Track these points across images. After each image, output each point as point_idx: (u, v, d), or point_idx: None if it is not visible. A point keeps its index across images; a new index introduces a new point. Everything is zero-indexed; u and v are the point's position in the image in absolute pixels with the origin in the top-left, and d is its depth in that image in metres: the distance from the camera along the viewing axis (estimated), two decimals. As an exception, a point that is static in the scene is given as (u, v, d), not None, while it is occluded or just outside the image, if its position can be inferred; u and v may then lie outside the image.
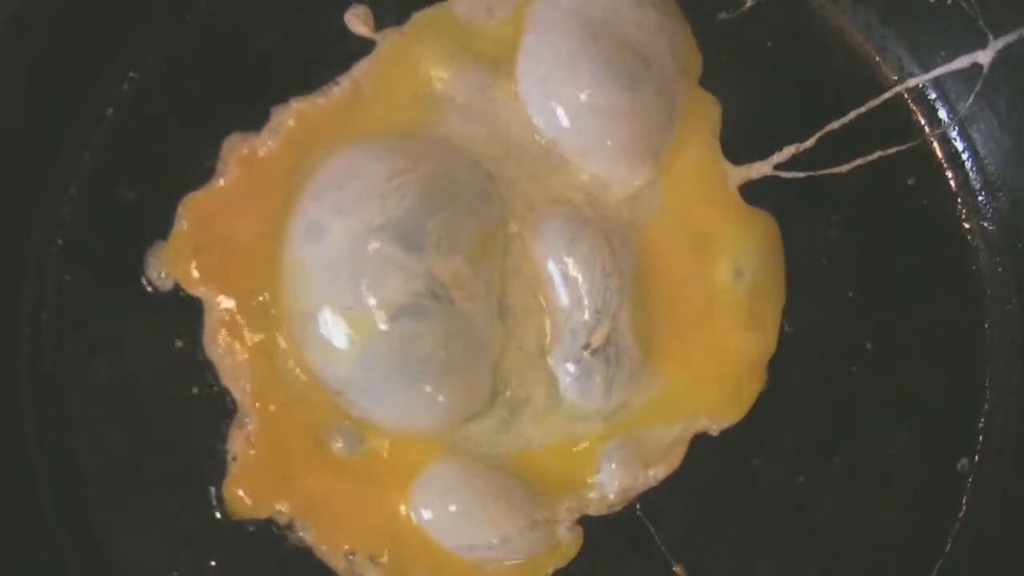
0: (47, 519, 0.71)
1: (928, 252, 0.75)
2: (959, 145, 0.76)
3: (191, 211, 0.72)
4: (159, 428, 0.71)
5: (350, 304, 0.66)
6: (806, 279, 0.74)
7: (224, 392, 0.71)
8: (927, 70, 0.76)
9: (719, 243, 0.72)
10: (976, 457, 0.74)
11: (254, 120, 0.72)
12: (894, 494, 0.73)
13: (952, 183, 0.76)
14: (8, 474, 0.71)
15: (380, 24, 0.74)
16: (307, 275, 0.68)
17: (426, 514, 0.69)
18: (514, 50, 0.73)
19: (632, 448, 0.71)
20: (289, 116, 0.72)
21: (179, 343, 0.72)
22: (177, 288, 0.71)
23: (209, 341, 0.71)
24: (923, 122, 0.76)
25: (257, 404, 0.71)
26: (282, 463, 0.70)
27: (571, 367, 0.70)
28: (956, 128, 0.76)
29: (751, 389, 0.72)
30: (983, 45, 0.73)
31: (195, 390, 0.71)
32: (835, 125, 0.75)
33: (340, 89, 0.73)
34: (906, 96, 0.76)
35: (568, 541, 0.71)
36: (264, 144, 0.72)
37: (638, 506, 0.72)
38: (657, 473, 0.72)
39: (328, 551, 0.70)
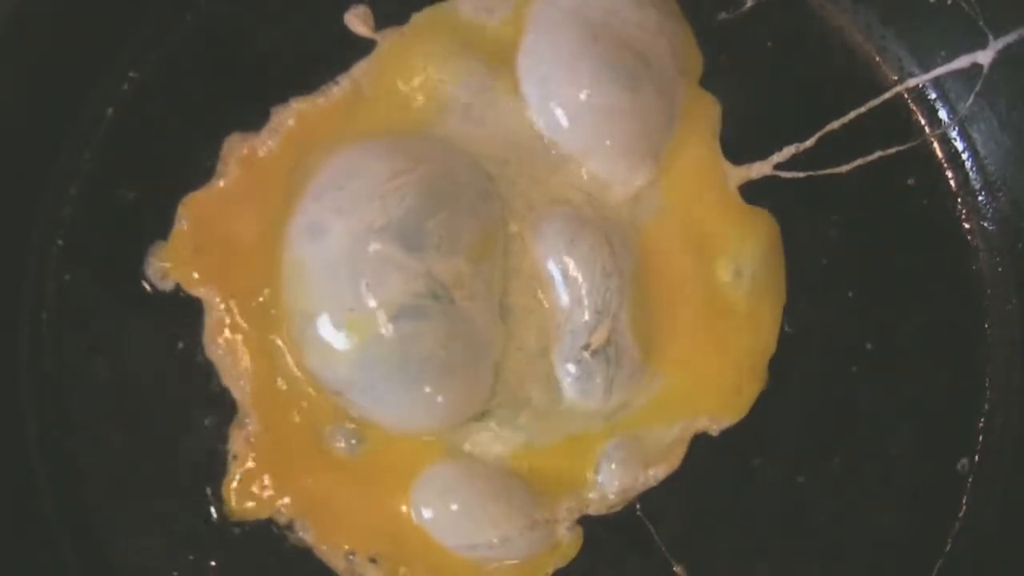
0: (47, 519, 0.71)
1: (928, 252, 0.75)
2: (959, 145, 0.76)
3: (191, 211, 0.72)
4: (159, 428, 0.71)
5: (350, 304, 0.66)
6: (806, 279, 0.74)
7: (224, 392, 0.71)
8: (927, 70, 0.76)
9: (719, 243, 0.72)
10: (976, 457, 0.74)
11: (254, 120, 0.72)
12: (894, 494, 0.73)
13: (952, 183, 0.76)
14: (8, 474, 0.71)
15: (380, 24, 0.74)
16: (307, 275, 0.68)
17: (426, 514, 0.69)
18: (514, 50, 0.73)
19: (632, 448, 0.71)
20: (289, 116, 0.72)
21: (179, 343, 0.72)
22: (177, 288, 0.71)
23: (209, 341, 0.71)
24: (923, 122, 0.76)
25: (257, 404, 0.71)
26: (282, 463, 0.70)
27: (571, 367, 0.70)
28: (956, 128, 0.76)
29: (751, 389, 0.72)
30: (983, 45, 0.73)
31: (195, 390, 0.71)
32: (835, 125, 0.75)
33: (340, 89, 0.73)
34: (906, 96, 0.76)
35: (568, 541, 0.71)
36: (264, 144, 0.72)
37: (638, 506, 0.72)
38: (657, 473, 0.72)
39: (328, 551, 0.70)
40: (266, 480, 0.70)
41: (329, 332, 0.67)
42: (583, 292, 0.69)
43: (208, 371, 0.71)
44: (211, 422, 0.71)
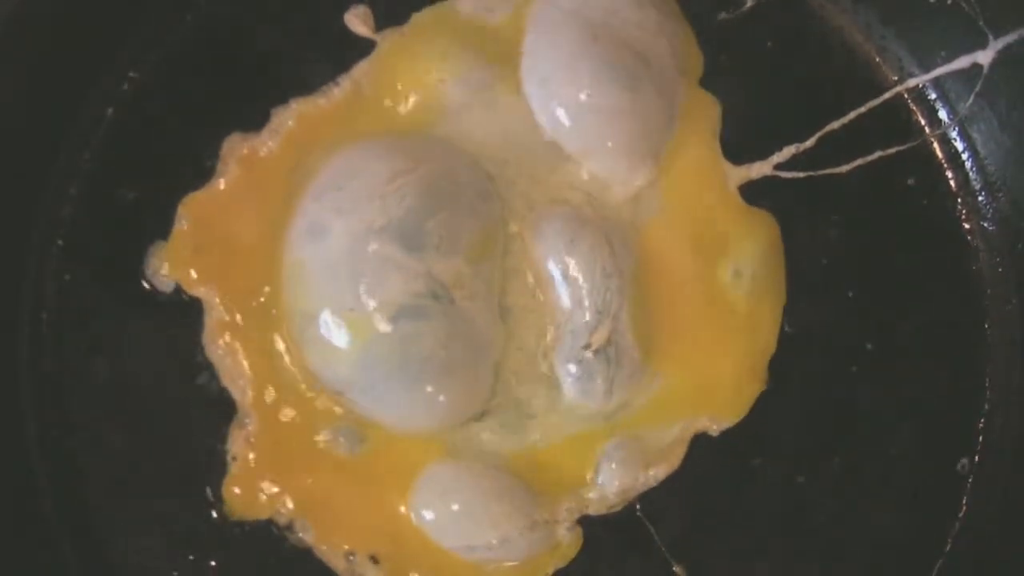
0: (47, 519, 0.71)
1: (928, 252, 0.75)
2: (959, 145, 0.76)
3: (191, 211, 0.72)
4: (159, 428, 0.71)
5: (350, 304, 0.66)
6: (806, 279, 0.74)
7: (224, 392, 0.71)
8: (927, 70, 0.76)
9: (719, 243, 0.72)
10: (976, 457, 0.74)
11: (254, 120, 0.72)
12: (894, 494, 0.73)
13: (952, 183, 0.76)
14: (8, 474, 0.71)
15: (380, 24, 0.74)
16: (307, 276, 0.68)
17: (426, 514, 0.69)
18: (514, 50, 0.73)
19: (632, 448, 0.71)
20: (289, 116, 0.72)
21: (179, 343, 0.71)
22: (177, 288, 0.71)
23: (209, 341, 0.71)
24: (923, 122, 0.76)
25: (257, 404, 0.71)
26: (282, 463, 0.70)
27: (572, 367, 0.70)
28: (956, 128, 0.76)
29: (751, 389, 0.72)
30: (983, 45, 0.73)
31: (195, 390, 0.71)
32: (835, 125, 0.75)
33: (340, 90, 0.73)
34: (906, 96, 0.76)
35: (568, 541, 0.71)
36: (264, 144, 0.72)
37: (638, 506, 0.72)
38: (657, 473, 0.72)
39: (328, 551, 0.71)
40: (266, 480, 0.70)
41: (329, 332, 0.67)
42: (583, 292, 0.69)
43: (208, 371, 0.71)
44: (211, 422, 0.71)
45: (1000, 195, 0.76)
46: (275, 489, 0.70)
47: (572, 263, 0.69)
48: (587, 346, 0.69)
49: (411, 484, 0.70)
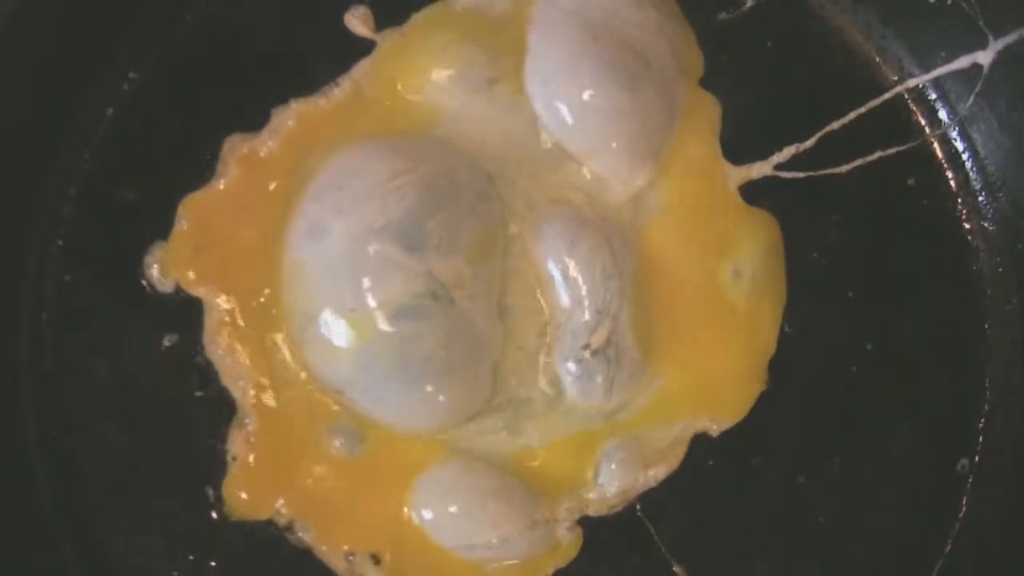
0: (47, 519, 0.71)
1: (928, 252, 0.75)
2: (959, 145, 0.76)
3: (191, 211, 0.72)
4: (159, 428, 0.71)
5: (350, 304, 0.66)
6: (806, 279, 0.74)
7: (224, 392, 0.71)
8: (927, 70, 0.76)
9: (719, 243, 0.72)
10: (976, 457, 0.74)
11: (254, 120, 0.72)
12: (894, 494, 0.73)
13: (952, 183, 0.76)
14: (8, 474, 0.71)
15: (380, 24, 0.74)
16: (307, 276, 0.68)
17: (426, 514, 0.69)
18: (514, 49, 0.73)
19: (632, 448, 0.71)
20: (289, 117, 0.72)
21: (179, 343, 0.71)
22: (177, 288, 0.71)
23: (209, 341, 0.71)
24: (923, 122, 0.76)
25: (257, 404, 0.71)
26: (282, 463, 0.70)
27: (571, 367, 0.70)
28: (956, 128, 0.76)
29: (751, 389, 0.72)
30: (983, 45, 0.73)
31: (195, 390, 0.71)
32: (835, 125, 0.75)
33: (340, 90, 0.73)
34: (906, 96, 0.76)
35: (568, 541, 0.71)
36: (264, 144, 0.72)
37: (638, 506, 0.72)
38: (657, 473, 0.72)
39: (328, 551, 0.71)
40: (266, 480, 0.70)
41: (329, 332, 0.67)
42: (583, 292, 0.69)
43: (208, 371, 0.71)
44: (211, 422, 0.71)
45: (1000, 195, 0.76)
46: (275, 489, 0.70)
47: (572, 263, 0.69)
48: (587, 346, 0.69)
49: (411, 484, 0.70)
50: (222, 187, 0.72)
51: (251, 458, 0.70)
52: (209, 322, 0.71)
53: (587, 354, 0.69)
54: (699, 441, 0.72)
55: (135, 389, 0.72)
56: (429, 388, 0.68)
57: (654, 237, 0.72)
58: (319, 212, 0.68)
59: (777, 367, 0.73)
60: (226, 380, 0.71)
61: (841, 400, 0.74)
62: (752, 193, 0.74)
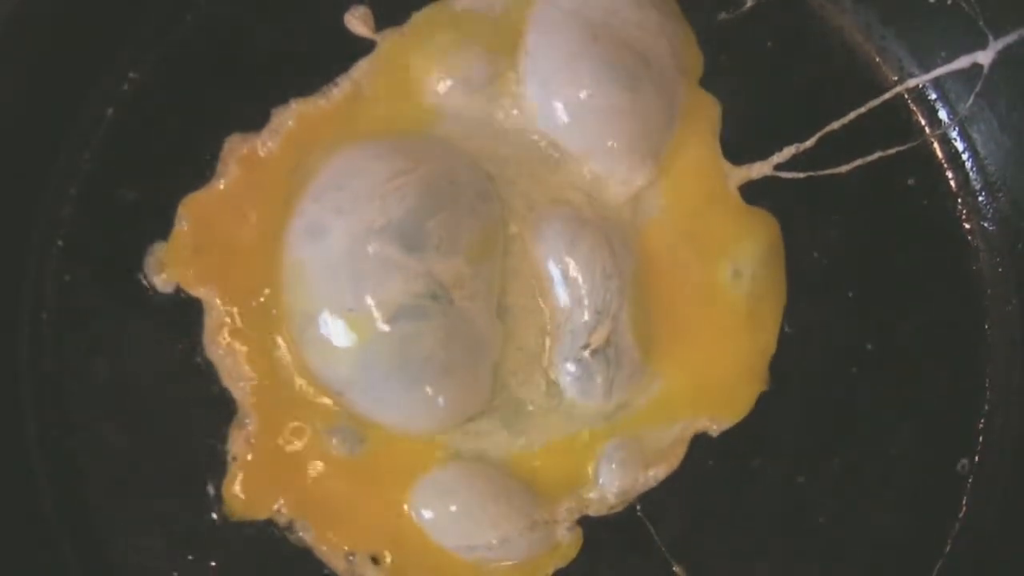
0: (47, 519, 0.71)
1: (928, 252, 0.75)
2: (959, 145, 0.76)
3: (191, 211, 0.72)
4: (159, 428, 0.71)
5: (350, 305, 0.66)
6: (806, 279, 0.74)
7: (224, 392, 0.71)
8: (927, 70, 0.76)
9: (719, 243, 0.72)
10: (976, 457, 0.74)
11: (254, 120, 0.72)
12: (894, 494, 0.73)
13: (952, 183, 0.76)
14: (8, 474, 0.71)
15: (380, 24, 0.74)
16: (307, 276, 0.68)
17: (426, 514, 0.69)
18: (514, 50, 0.73)
19: (632, 448, 0.71)
20: (289, 117, 0.72)
21: (179, 344, 0.71)
22: (177, 288, 0.71)
23: (209, 341, 0.71)
24: (923, 122, 0.76)
25: (257, 404, 0.71)
26: (282, 463, 0.70)
27: (571, 367, 0.70)
28: (956, 128, 0.76)
29: (751, 389, 0.72)
30: (983, 45, 0.73)
31: (195, 390, 0.71)
32: (835, 125, 0.75)
33: (340, 90, 0.73)
34: (906, 96, 0.76)
35: (568, 542, 0.71)
36: (264, 144, 0.72)
37: (638, 506, 0.72)
38: (657, 473, 0.72)
39: (328, 551, 0.71)
40: (266, 480, 0.70)
41: (329, 332, 0.67)
42: (583, 293, 0.69)
43: (208, 371, 0.71)
44: (211, 422, 0.71)
45: (1000, 195, 0.76)
46: (275, 489, 0.70)
47: (572, 264, 0.69)
48: (586, 346, 0.69)
49: (411, 484, 0.70)
50: (222, 187, 0.72)
51: (251, 458, 0.70)
52: (209, 322, 0.71)
53: (587, 354, 0.69)
54: (699, 441, 0.72)
55: (135, 389, 0.72)
56: (429, 389, 0.68)
57: (654, 237, 0.72)
58: (319, 212, 0.68)
59: (777, 367, 0.73)
60: (226, 380, 0.71)
61: (841, 400, 0.74)
62: (752, 193, 0.74)
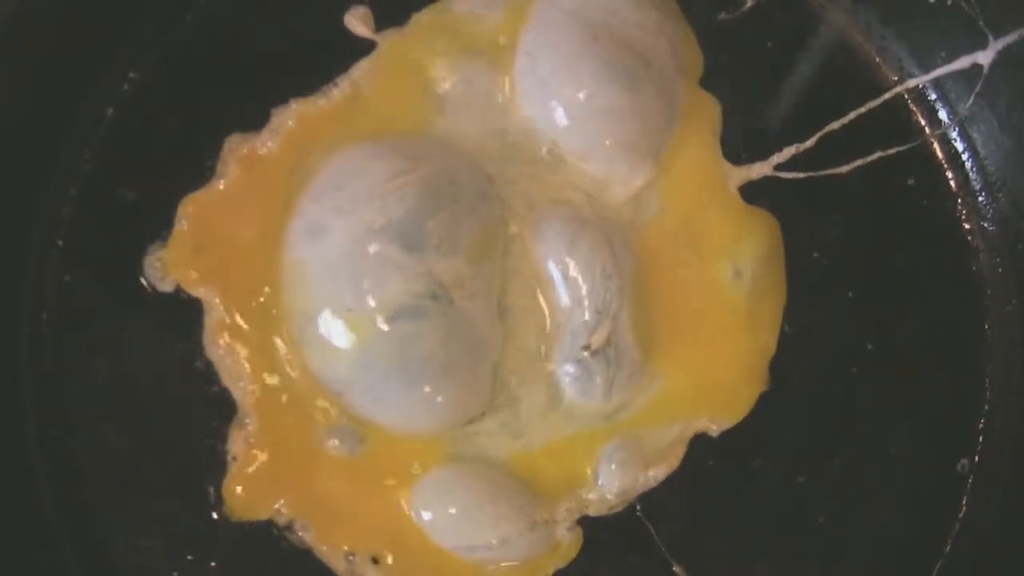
0: (47, 519, 0.71)
1: (928, 252, 0.75)
2: (959, 146, 0.76)
3: (191, 211, 0.72)
4: (159, 428, 0.71)
5: (350, 305, 0.66)
6: (806, 279, 0.74)
7: (224, 392, 0.71)
8: (927, 70, 0.76)
9: (719, 243, 0.72)
10: (976, 457, 0.74)
11: (254, 120, 0.72)
12: (894, 494, 0.73)
13: (952, 183, 0.76)
14: (8, 474, 0.71)
15: (380, 25, 0.74)
16: (307, 276, 0.68)
17: (426, 515, 0.69)
18: (514, 50, 0.73)
19: (632, 448, 0.71)
20: (289, 117, 0.72)
21: (179, 344, 0.71)
22: (177, 288, 0.71)
23: (209, 341, 0.71)
24: (923, 123, 0.76)
25: (257, 404, 0.71)
26: (282, 463, 0.70)
27: (571, 368, 0.70)
28: (956, 129, 0.76)
29: (751, 390, 0.72)
30: (983, 45, 0.73)
31: (195, 390, 0.71)
32: (835, 125, 0.75)
33: (340, 90, 0.73)
34: (906, 97, 0.76)
35: (568, 542, 0.71)
36: (264, 144, 0.72)
37: (638, 506, 0.72)
38: (657, 473, 0.72)
39: (328, 551, 0.70)
40: (266, 480, 0.70)
41: (329, 332, 0.67)
42: (583, 293, 0.69)
43: (208, 371, 0.71)
44: (211, 422, 0.71)
45: (1000, 195, 0.76)
46: (275, 489, 0.70)
47: (572, 264, 0.69)
48: (586, 346, 0.69)
49: (411, 485, 0.70)
50: (222, 187, 0.72)
51: (251, 458, 0.70)
52: (209, 322, 0.71)
53: (587, 354, 0.69)
54: (699, 441, 0.72)
55: (135, 389, 0.72)
56: (429, 389, 0.68)
57: (654, 237, 0.72)
58: (319, 212, 0.68)
59: (777, 367, 0.73)
60: (226, 380, 0.71)
61: (841, 400, 0.74)
62: (752, 193, 0.74)
